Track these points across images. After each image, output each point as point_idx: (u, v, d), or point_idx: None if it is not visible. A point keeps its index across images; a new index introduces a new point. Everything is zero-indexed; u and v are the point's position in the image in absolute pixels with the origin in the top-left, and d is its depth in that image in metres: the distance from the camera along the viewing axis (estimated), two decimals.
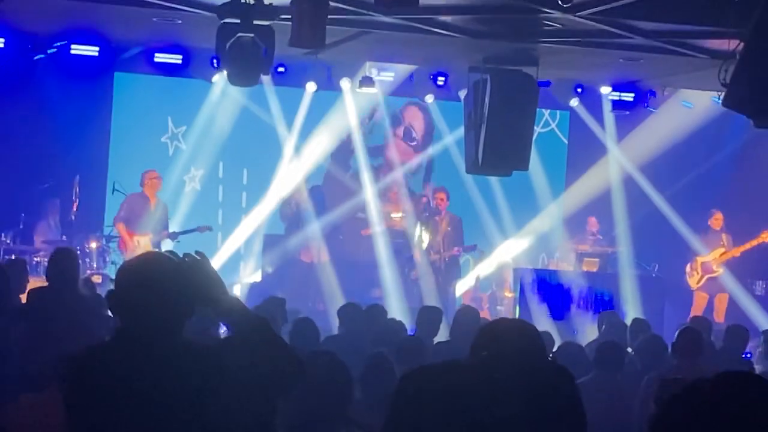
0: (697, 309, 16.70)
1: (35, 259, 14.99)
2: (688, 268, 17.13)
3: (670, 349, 9.31)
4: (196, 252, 4.07)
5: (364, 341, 9.05)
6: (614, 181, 17.99)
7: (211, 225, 16.04)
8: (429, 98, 17.52)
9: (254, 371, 3.82)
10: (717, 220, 17.09)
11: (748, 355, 11.49)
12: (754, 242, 16.75)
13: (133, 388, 3.85)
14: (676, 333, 9.22)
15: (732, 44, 9.29)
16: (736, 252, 16.91)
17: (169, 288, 3.96)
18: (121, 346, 3.99)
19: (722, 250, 16.96)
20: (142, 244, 15.11)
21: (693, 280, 17.03)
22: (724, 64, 9.16)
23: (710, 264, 16.98)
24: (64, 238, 15.41)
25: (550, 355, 9.14)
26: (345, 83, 16.93)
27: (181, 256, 4.06)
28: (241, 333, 3.96)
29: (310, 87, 17.03)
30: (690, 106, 17.36)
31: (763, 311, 16.73)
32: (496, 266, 17.81)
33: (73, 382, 4.02)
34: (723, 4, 9.45)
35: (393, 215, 17.79)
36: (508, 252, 17.90)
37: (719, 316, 16.27)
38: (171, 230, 15.54)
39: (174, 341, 3.97)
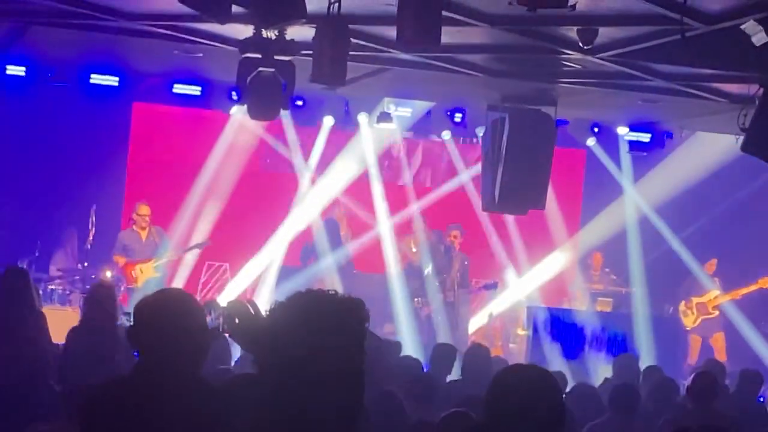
0: (694, 352, 16.79)
1: (50, 287, 15.07)
2: (682, 306, 17.27)
3: (683, 392, 9.27)
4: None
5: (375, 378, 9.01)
6: (629, 221, 17.97)
7: (208, 240, 16.20)
8: (446, 135, 17.52)
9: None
10: (711, 264, 17.40)
11: (762, 399, 11.46)
12: (753, 287, 16.89)
13: (147, 424, 3.87)
14: (691, 377, 9.18)
15: (752, 89, 9.31)
16: (736, 295, 17.00)
17: (187, 327, 3.98)
18: (138, 382, 4.01)
19: (716, 292, 17.15)
20: (144, 270, 15.27)
21: (688, 320, 17.16)
22: (743, 109, 9.19)
23: (706, 305, 17.13)
24: (80, 266, 15.48)
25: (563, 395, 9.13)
26: (362, 118, 16.95)
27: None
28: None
29: (328, 121, 17.09)
30: None
31: None
32: (510, 304, 17.76)
33: (90, 415, 4.03)
34: (743, 50, 9.45)
35: (410, 248, 17.71)
36: (522, 290, 17.86)
37: (720, 357, 16.24)
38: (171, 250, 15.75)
39: (189, 380, 3.99)
